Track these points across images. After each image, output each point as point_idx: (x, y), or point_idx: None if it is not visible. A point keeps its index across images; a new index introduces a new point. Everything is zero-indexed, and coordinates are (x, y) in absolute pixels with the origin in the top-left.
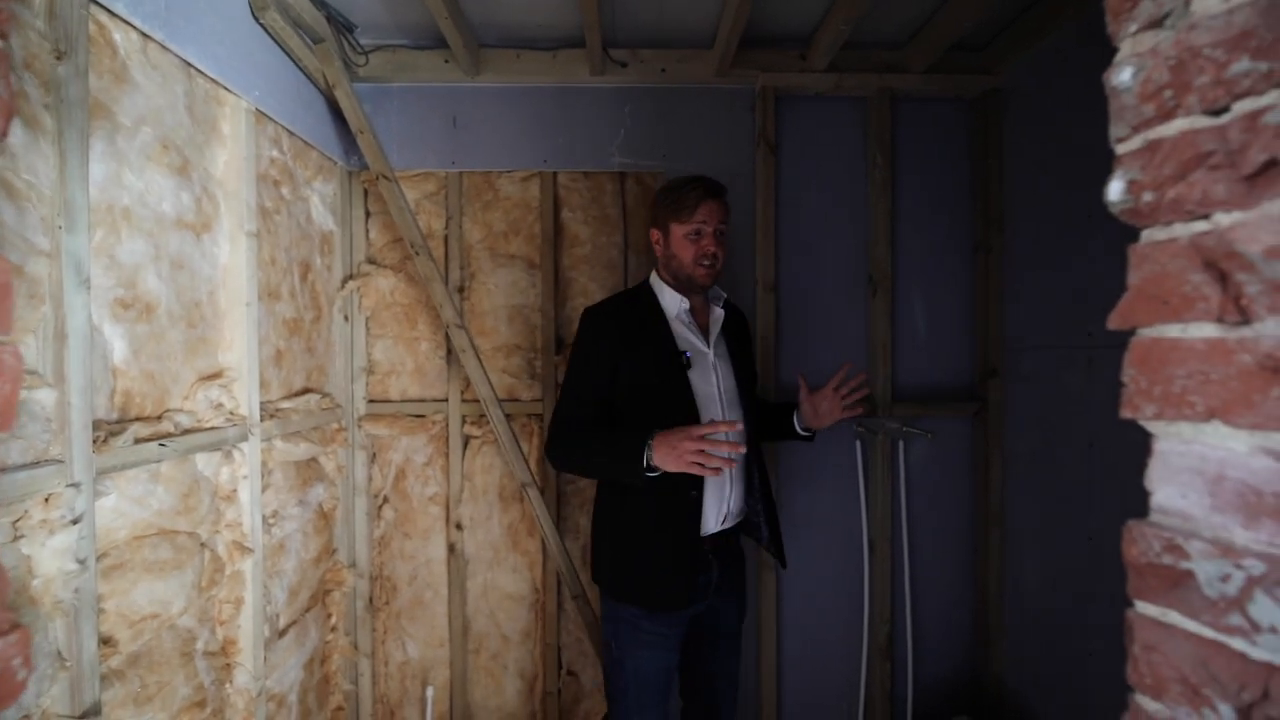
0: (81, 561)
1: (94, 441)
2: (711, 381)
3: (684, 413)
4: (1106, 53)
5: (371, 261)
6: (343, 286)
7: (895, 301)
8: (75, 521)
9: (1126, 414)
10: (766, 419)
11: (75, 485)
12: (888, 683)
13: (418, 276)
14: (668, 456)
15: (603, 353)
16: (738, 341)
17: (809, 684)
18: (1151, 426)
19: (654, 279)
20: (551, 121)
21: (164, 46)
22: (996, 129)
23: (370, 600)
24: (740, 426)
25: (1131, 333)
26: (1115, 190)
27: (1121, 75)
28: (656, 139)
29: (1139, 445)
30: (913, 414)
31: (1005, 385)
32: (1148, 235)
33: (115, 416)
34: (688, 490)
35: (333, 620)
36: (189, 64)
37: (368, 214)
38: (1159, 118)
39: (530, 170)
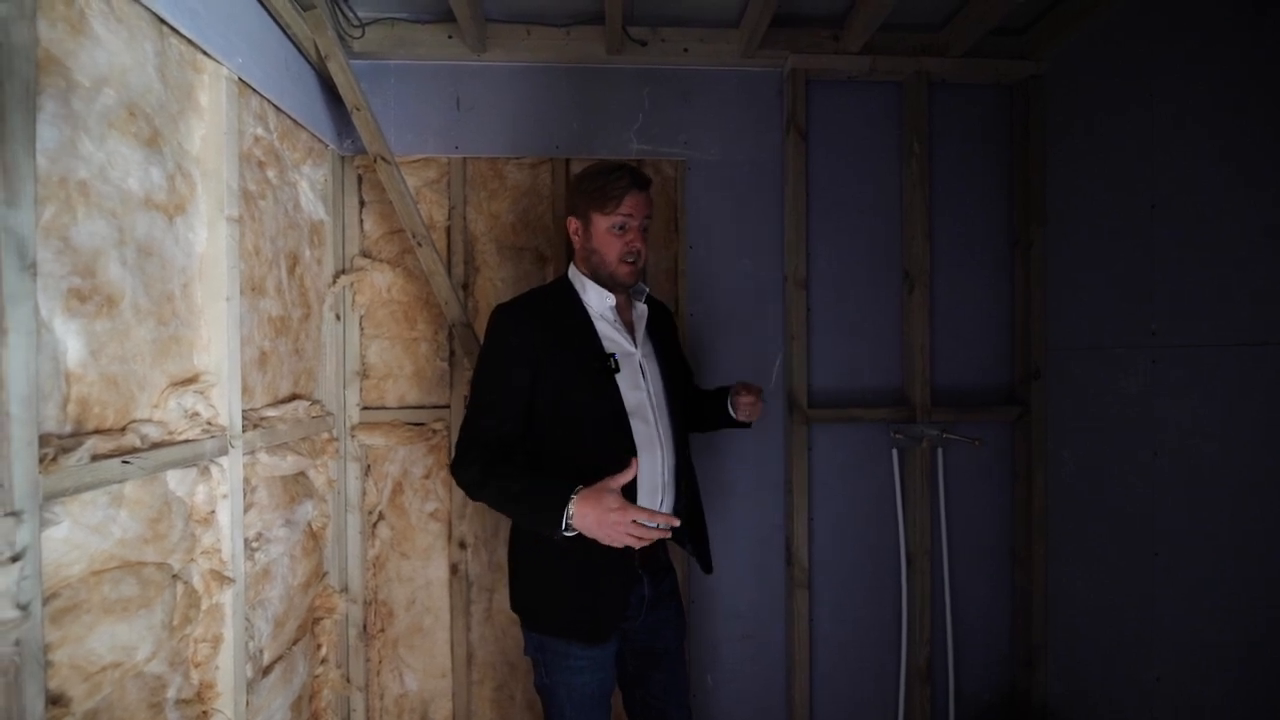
0: (23, 607)
1: (40, 460)
2: (641, 385)
3: (612, 422)
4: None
5: (366, 255)
6: (334, 282)
7: (933, 299)
8: (15, 558)
9: None
10: (701, 409)
11: (15, 514)
12: (927, 707)
13: (417, 271)
14: (593, 525)
15: (521, 356)
16: (664, 338)
17: (843, 704)
18: None
19: (573, 273)
20: (564, 104)
21: None
22: (1039, 117)
23: (364, 627)
24: (676, 520)
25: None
26: None
27: None
28: (677, 124)
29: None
30: (951, 419)
31: (1049, 388)
32: None
33: (68, 429)
34: None
35: (323, 651)
36: (161, 20)
37: (362, 203)
38: None
39: (541, 157)
